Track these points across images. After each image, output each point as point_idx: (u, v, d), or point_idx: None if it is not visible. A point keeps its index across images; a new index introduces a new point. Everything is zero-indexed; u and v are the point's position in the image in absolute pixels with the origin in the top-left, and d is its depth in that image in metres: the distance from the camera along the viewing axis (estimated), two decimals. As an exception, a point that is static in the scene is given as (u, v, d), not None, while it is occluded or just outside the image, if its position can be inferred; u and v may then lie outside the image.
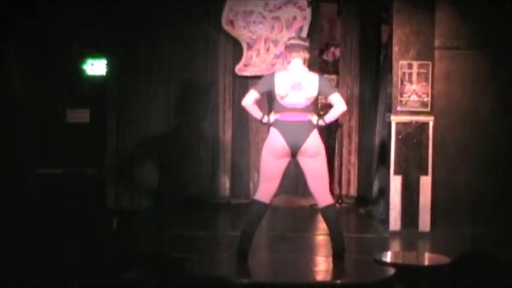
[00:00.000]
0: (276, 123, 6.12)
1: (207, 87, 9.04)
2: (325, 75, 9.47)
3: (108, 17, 8.68)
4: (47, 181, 8.39)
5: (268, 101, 6.68)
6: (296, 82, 6.10)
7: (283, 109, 6.10)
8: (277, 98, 6.12)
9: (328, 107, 9.34)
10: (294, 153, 6.10)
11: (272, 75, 6.22)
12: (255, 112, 6.21)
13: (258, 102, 6.26)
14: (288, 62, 6.20)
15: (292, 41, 6.33)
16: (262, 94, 6.21)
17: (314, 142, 6.10)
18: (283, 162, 6.16)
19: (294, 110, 6.09)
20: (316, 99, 6.28)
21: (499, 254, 3.59)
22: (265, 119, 6.19)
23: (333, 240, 6.21)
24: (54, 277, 5.03)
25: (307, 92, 6.09)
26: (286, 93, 6.08)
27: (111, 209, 8.56)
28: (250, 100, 6.16)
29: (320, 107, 9.15)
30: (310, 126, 6.12)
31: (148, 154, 8.91)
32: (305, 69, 6.18)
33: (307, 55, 6.20)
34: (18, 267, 5.24)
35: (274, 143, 6.10)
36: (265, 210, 6.25)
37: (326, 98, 6.40)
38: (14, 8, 8.24)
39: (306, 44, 6.30)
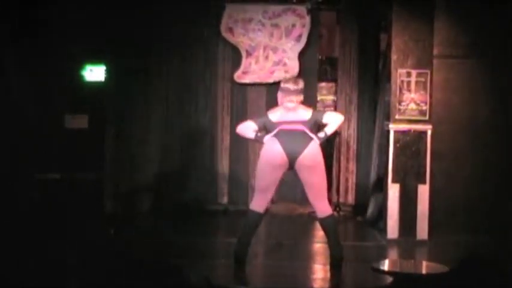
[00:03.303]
0: (274, 133, 6.14)
1: (205, 94, 9.06)
2: (324, 83, 9.57)
3: (107, 22, 8.68)
4: (45, 186, 8.38)
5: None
6: (289, 108, 6.15)
7: (282, 123, 6.13)
8: (273, 122, 6.16)
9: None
10: (291, 163, 6.09)
11: (266, 115, 6.31)
12: (249, 135, 6.30)
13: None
14: (282, 104, 6.24)
15: (286, 85, 6.24)
16: (259, 127, 6.25)
17: (312, 152, 6.08)
18: (280, 173, 6.16)
19: (292, 122, 6.12)
20: (313, 125, 6.22)
21: (497, 262, 3.60)
22: (258, 135, 6.25)
23: (332, 248, 6.22)
24: (50, 280, 5.04)
25: (301, 115, 6.13)
26: (280, 116, 6.14)
27: (109, 214, 8.55)
28: (246, 129, 6.28)
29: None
30: (309, 136, 6.11)
31: (147, 160, 8.91)
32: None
33: (300, 98, 6.20)
34: (14, 269, 5.25)
35: (272, 152, 6.10)
36: (261, 219, 6.28)
37: (321, 121, 6.27)
38: (13, 9, 8.24)
39: (299, 87, 6.22)
